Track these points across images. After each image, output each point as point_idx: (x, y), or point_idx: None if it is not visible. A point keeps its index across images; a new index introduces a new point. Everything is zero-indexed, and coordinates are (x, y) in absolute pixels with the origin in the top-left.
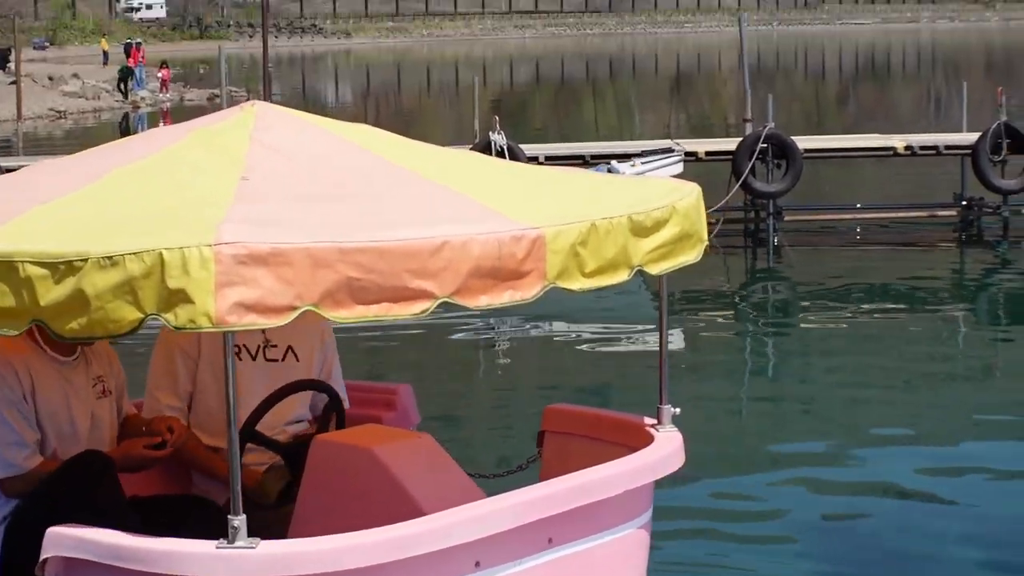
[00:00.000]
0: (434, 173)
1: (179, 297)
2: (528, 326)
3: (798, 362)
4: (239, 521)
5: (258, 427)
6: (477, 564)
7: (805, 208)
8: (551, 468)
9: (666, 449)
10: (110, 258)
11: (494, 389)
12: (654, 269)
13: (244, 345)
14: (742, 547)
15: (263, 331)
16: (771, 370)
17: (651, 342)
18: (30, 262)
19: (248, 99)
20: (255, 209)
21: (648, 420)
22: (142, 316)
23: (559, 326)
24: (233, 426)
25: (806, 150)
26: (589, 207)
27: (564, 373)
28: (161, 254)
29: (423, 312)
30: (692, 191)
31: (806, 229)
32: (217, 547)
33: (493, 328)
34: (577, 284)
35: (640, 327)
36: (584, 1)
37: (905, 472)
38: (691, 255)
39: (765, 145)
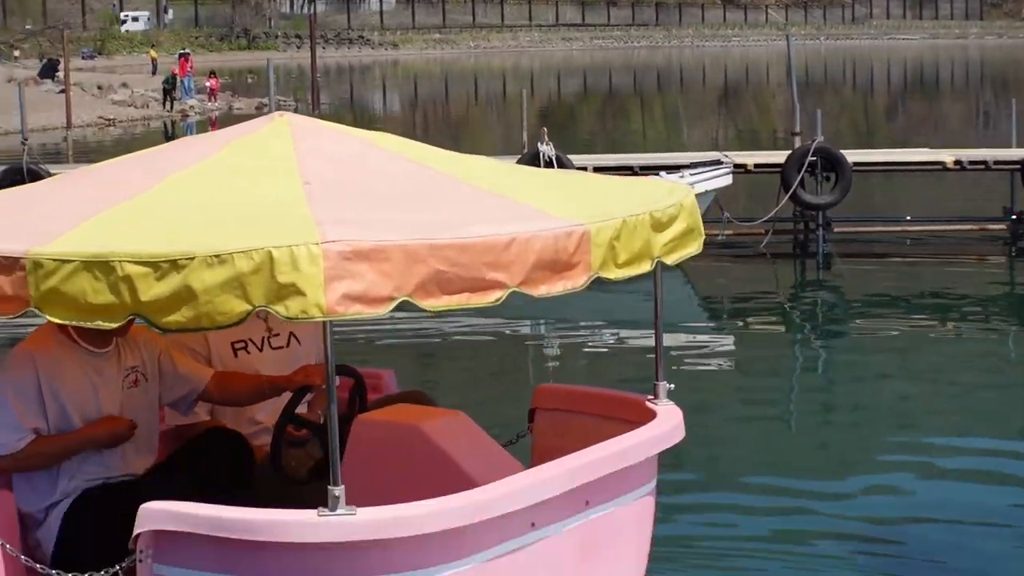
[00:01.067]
0: (467, 177)
1: (290, 290)
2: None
3: (846, 370)
4: (339, 491)
5: (264, 411)
6: (532, 525)
7: (854, 220)
8: (544, 444)
9: (672, 421)
10: (218, 256)
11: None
12: (669, 259)
13: (250, 339)
14: (788, 554)
15: (265, 321)
16: (819, 377)
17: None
18: (129, 261)
19: (296, 109)
20: (335, 211)
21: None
22: (250, 308)
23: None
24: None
25: (855, 163)
26: (616, 206)
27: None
28: (270, 252)
29: (496, 301)
30: (689, 192)
31: (855, 240)
32: (319, 515)
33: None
34: (613, 274)
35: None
36: (631, 14)
37: (953, 484)
38: (695, 247)
39: (814, 158)
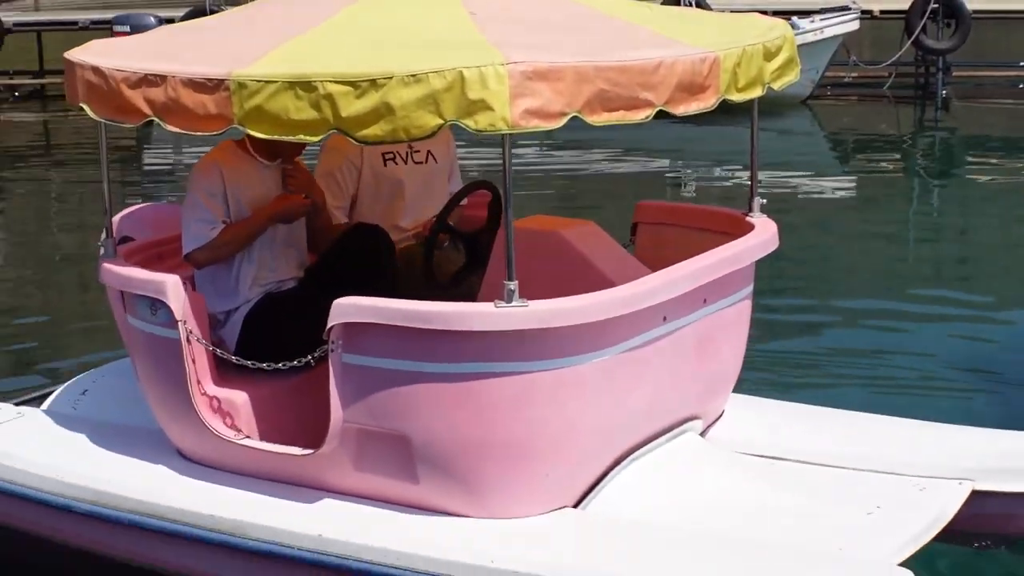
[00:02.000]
0: (611, 11)
1: (479, 106)
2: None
3: (958, 206)
4: (513, 285)
5: (407, 218)
6: (664, 319)
7: (972, 64)
8: (646, 256)
9: (769, 231)
10: (414, 76)
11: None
12: (776, 85)
13: (397, 152)
14: (877, 376)
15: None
16: (932, 211)
17: None
18: (331, 81)
19: None
20: (505, 36)
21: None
22: (442, 122)
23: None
24: (509, 209)
25: (974, 11)
26: (735, 36)
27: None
28: (461, 72)
29: (646, 118)
30: (787, 26)
31: (972, 84)
32: (496, 306)
33: None
34: (735, 96)
35: None
36: None
37: None
38: (794, 75)
39: (936, 5)
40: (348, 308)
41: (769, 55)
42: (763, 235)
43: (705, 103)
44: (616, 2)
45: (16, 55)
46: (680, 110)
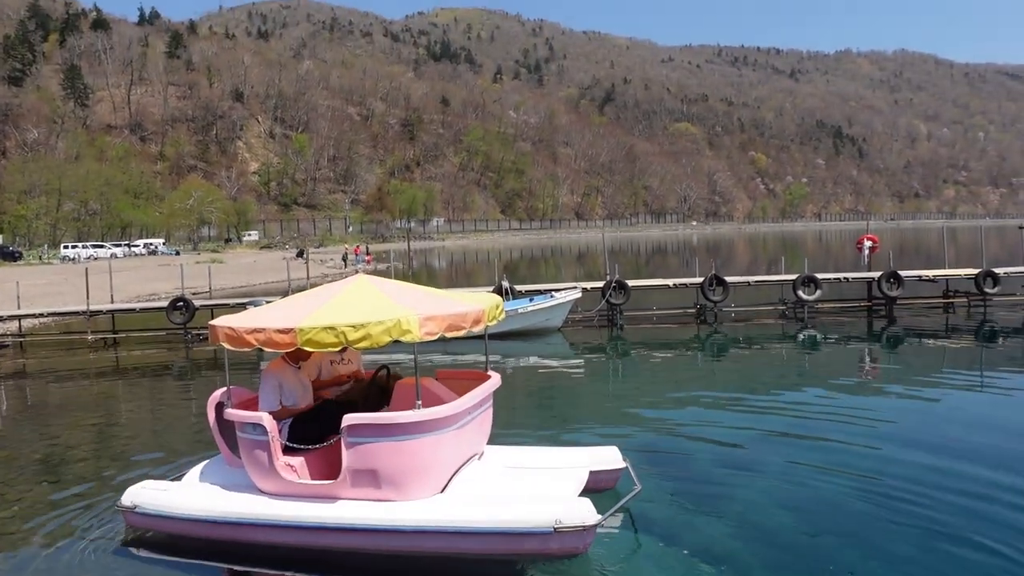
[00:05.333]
0: (442, 293)
1: (404, 331)
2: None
3: (624, 375)
4: (420, 402)
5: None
6: (468, 414)
7: (632, 309)
8: (456, 391)
9: (498, 378)
10: (380, 321)
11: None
12: (497, 320)
13: (339, 356)
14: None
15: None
16: (610, 378)
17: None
18: (343, 325)
19: (401, 266)
20: (407, 302)
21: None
22: (390, 339)
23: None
24: (416, 370)
25: (632, 286)
26: (492, 300)
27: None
28: (399, 318)
29: (465, 334)
30: (499, 299)
31: (641, 320)
32: (416, 409)
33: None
34: (492, 323)
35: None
36: (539, 223)
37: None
38: (503, 317)
39: (615, 284)
40: (351, 417)
41: (497, 308)
42: (496, 381)
43: (481, 327)
44: (431, 289)
45: (198, 319)
46: (476, 329)
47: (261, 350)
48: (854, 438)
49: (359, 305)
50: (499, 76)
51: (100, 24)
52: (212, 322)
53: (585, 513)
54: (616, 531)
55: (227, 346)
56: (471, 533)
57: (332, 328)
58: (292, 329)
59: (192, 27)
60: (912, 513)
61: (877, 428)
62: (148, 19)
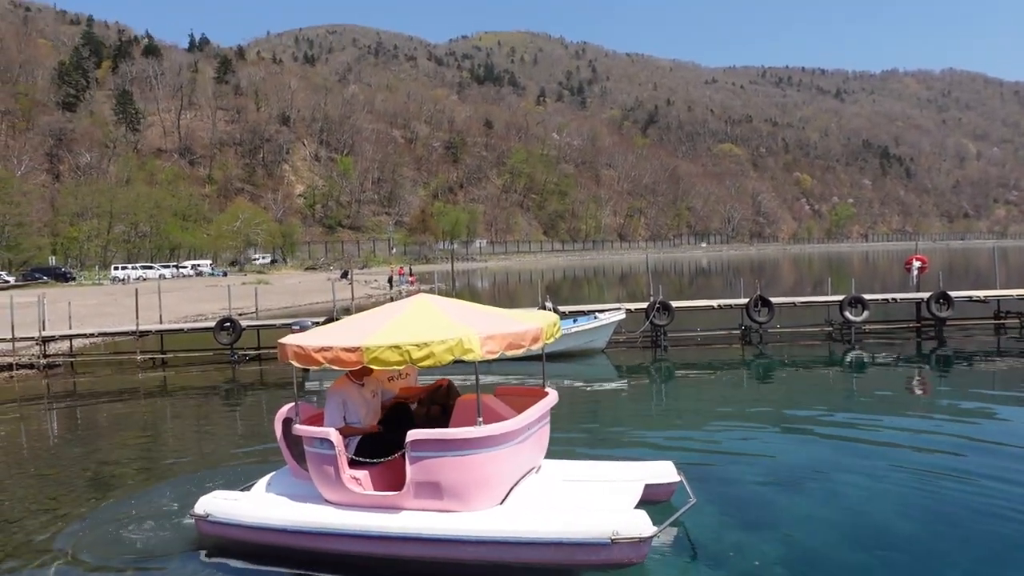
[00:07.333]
0: (493, 311)
1: (467, 350)
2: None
3: (674, 395)
4: (480, 419)
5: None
6: (527, 430)
7: (676, 330)
8: (515, 407)
9: (555, 395)
10: (442, 340)
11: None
12: (554, 338)
13: (396, 373)
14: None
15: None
16: (662, 397)
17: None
18: (408, 344)
19: (444, 288)
20: (467, 321)
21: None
22: (453, 358)
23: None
24: (478, 386)
25: (676, 307)
26: (550, 319)
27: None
28: (460, 337)
29: (524, 352)
30: (555, 317)
31: (679, 342)
32: (477, 425)
33: None
34: (549, 342)
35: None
36: (582, 244)
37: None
38: (559, 334)
39: (659, 305)
40: (415, 433)
41: (554, 326)
42: (553, 398)
43: (539, 346)
44: (489, 307)
45: (245, 340)
46: (535, 348)
47: (307, 370)
48: (904, 459)
49: (421, 324)
50: (542, 98)
51: (151, 50)
52: (281, 340)
53: (641, 525)
54: (671, 543)
55: (295, 364)
56: (530, 543)
57: (397, 347)
58: (359, 348)
59: (240, 52)
60: (961, 537)
61: (927, 448)
62: (198, 45)
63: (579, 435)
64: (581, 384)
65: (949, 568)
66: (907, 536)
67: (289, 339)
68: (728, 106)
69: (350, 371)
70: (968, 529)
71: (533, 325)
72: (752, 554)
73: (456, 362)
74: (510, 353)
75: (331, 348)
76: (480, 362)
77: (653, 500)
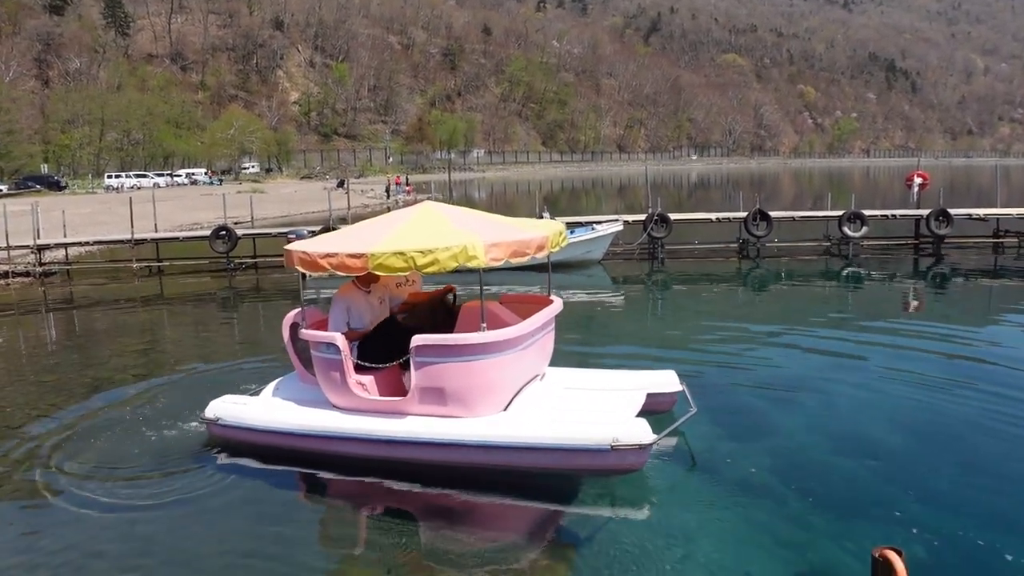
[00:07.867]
0: (499, 219)
1: (471, 256)
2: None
3: (672, 304)
4: (484, 325)
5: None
6: (530, 337)
7: (673, 242)
8: (519, 314)
9: (560, 303)
10: (447, 247)
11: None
12: (560, 247)
13: (405, 279)
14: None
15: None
16: (660, 308)
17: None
18: (412, 251)
19: (441, 197)
20: (472, 228)
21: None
22: (457, 264)
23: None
24: (482, 292)
25: (675, 219)
26: (553, 226)
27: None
28: (466, 245)
29: (528, 260)
30: (561, 225)
31: (676, 253)
32: (481, 331)
33: None
34: (554, 251)
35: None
36: (580, 156)
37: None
38: (565, 243)
39: (656, 217)
40: (420, 338)
41: (560, 235)
42: (558, 306)
43: (544, 254)
44: (486, 215)
45: (240, 248)
46: (540, 256)
47: (304, 276)
48: (896, 372)
49: (426, 231)
50: (542, 4)
51: None
52: (287, 247)
53: (641, 432)
54: (671, 451)
55: (301, 270)
56: (532, 449)
57: (402, 253)
58: (364, 254)
59: None
60: (952, 447)
61: (919, 362)
62: None
63: (574, 347)
64: (577, 294)
65: (934, 475)
66: (897, 445)
67: (295, 245)
68: (733, 15)
69: (356, 278)
70: (957, 440)
71: (538, 233)
72: (747, 462)
73: (461, 270)
74: (515, 261)
75: (336, 254)
76: (485, 270)
77: (655, 410)
